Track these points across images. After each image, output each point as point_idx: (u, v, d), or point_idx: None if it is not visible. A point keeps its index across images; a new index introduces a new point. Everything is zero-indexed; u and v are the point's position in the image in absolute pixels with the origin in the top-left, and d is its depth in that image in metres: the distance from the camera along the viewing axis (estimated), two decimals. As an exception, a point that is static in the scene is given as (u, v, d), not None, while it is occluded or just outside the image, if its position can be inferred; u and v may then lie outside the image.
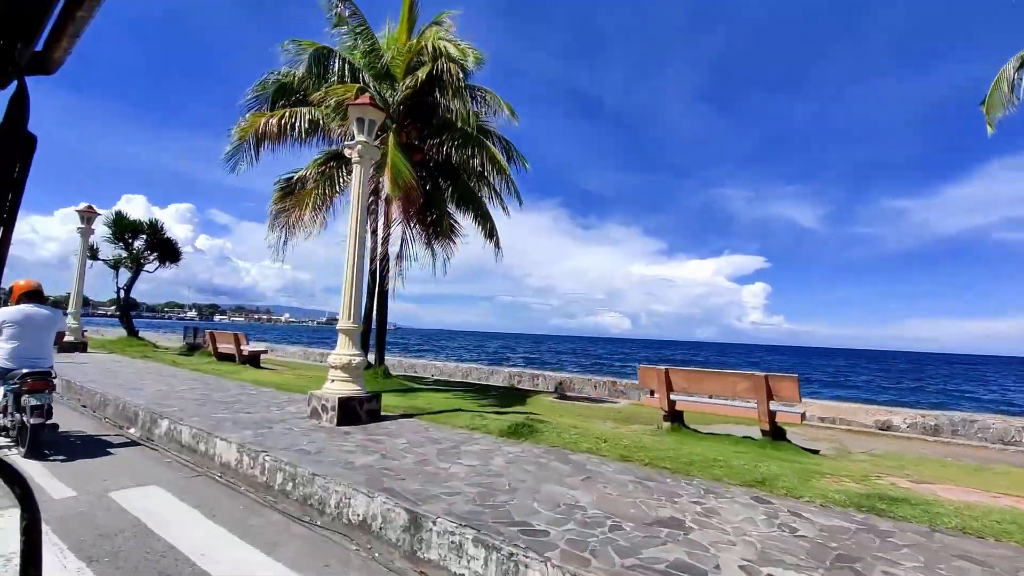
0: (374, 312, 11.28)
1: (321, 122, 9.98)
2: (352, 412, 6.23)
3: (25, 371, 4.96)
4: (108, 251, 18.77)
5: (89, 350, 14.86)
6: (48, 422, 4.98)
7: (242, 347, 13.47)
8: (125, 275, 19.40)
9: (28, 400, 4.84)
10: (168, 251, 19.40)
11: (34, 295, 5.36)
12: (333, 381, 6.54)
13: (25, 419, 4.86)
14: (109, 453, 5.32)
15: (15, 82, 0.54)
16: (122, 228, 18.52)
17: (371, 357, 10.91)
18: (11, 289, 5.48)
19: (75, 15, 0.56)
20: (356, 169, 6.80)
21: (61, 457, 5.01)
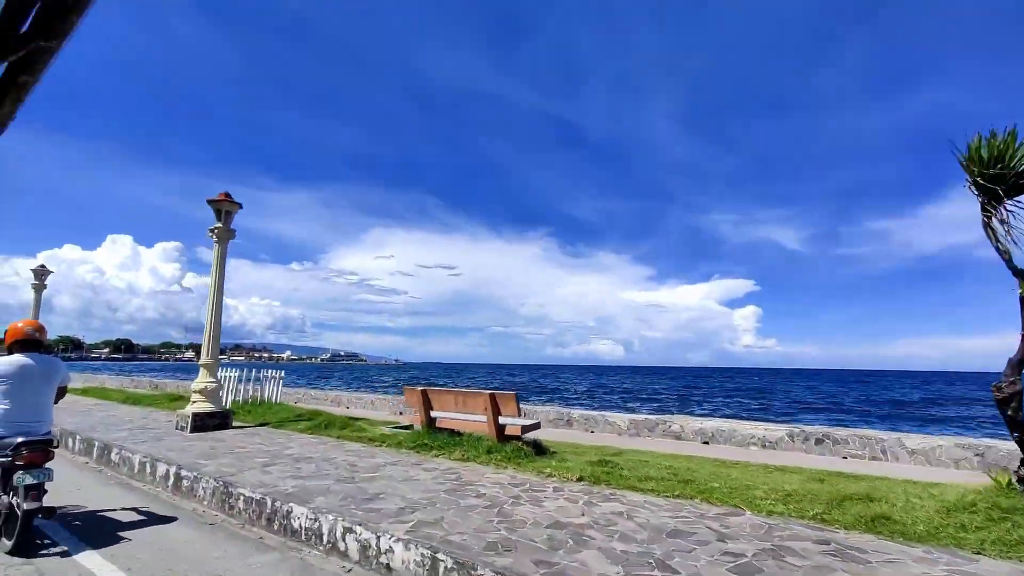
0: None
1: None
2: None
3: (20, 440, 3.74)
4: None
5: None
6: (44, 506, 3.71)
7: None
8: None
9: (23, 478, 3.63)
10: None
11: (30, 343, 4.06)
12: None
13: (16, 502, 3.64)
14: (125, 538, 4.05)
15: None
16: None
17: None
18: (3, 334, 4.22)
19: (17, 80, 0.57)
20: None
21: (61, 549, 3.79)
